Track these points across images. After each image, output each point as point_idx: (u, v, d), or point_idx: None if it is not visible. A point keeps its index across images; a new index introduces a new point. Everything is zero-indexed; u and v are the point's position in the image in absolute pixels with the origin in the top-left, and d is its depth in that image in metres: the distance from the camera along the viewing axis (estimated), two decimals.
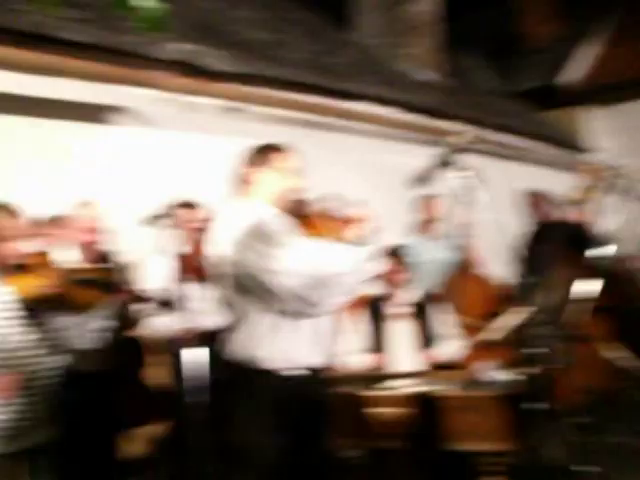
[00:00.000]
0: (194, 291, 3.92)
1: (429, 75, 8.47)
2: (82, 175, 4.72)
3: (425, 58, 8.61)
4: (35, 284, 2.81)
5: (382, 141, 6.78)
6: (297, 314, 2.61)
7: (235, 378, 2.68)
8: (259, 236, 2.56)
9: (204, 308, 3.70)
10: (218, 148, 5.31)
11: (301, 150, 2.88)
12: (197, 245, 4.00)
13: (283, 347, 2.64)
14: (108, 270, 3.10)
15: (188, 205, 4.02)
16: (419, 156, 6.39)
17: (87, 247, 3.70)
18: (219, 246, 2.70)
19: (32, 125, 4.57)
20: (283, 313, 2.61)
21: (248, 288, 2.60)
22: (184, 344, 3.83)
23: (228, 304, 2.71)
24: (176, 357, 4.09)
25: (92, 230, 3.70)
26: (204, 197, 4.25)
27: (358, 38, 8.57)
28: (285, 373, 2.65)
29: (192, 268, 4.01)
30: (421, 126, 6.98)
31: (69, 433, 3.15)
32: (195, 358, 3.31)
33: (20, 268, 2.82)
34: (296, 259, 2.52)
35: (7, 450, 2.83)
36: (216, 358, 3.14)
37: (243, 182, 2.80)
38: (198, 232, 4.00)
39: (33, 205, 4.02)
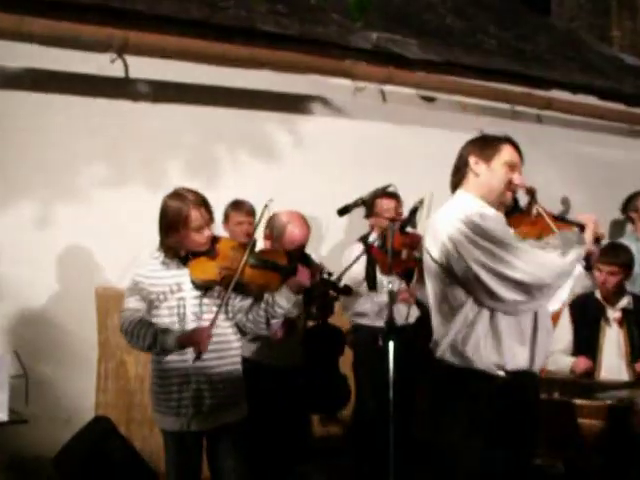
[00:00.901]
0: (387, 282, 3.88)
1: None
2: (284, 164, 4.82)
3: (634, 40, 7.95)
4: (216, 268, 2.85)
5: (580, 131, 6.34)
6: (513, 314, 2.50)
7: (444, 377, 2.59)
8: (484, 234, 2.45)
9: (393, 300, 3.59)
10: (414, 138, 5.30)
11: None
12: (391, 236, 3.95)
13: (498, 347, 2.51)
14: (291, 255, 3.06)
15: (387, 195, 3.97)
16: (623, 148, 6.25)
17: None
18: (434, 239, 2.59)
19: (237, 116, 4.72)
20: (499, 312, 2.50)
21: (464, 284, 2.51)
22: (375, 335, 3.83)
23: (439, 299, 2.61)
24: (365, 348, 4.12)
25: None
26: (401, 188, 4.19)
27: (556, 22, 8.10)
28: (498, 374, 2.52)
29: (385, 259, 3.96)
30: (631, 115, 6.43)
31: (258, 415, 3.18)
32: (387, 351, 3.22)
33: (204, 253, 2.87)
34: (524, 265, 2.40)
35: (191, 429, 2.87)
36: (402, 354, 3.09)
37: (462, 174, 2.67)
38: (394, 223, 3.94)
39: (234, 193, 4.26)
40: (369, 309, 4.07)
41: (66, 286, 4.24)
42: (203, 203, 2.88)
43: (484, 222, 2.47)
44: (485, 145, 2.64)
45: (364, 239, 4.26)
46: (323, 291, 3.37)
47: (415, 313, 4.13)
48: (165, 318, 2.89)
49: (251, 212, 4.08)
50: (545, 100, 5.89)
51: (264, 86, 4.77)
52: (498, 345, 2.50)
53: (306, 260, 3.32)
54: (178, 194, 2.89)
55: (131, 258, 3.87)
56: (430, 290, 2.66)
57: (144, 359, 3.95)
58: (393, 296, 3.33)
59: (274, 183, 4.47)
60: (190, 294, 2.89)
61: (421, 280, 3.95)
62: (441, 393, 2.64)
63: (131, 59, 4.34)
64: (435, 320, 2.63)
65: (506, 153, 2.62)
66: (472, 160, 2.62)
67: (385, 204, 4.09)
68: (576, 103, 6.16)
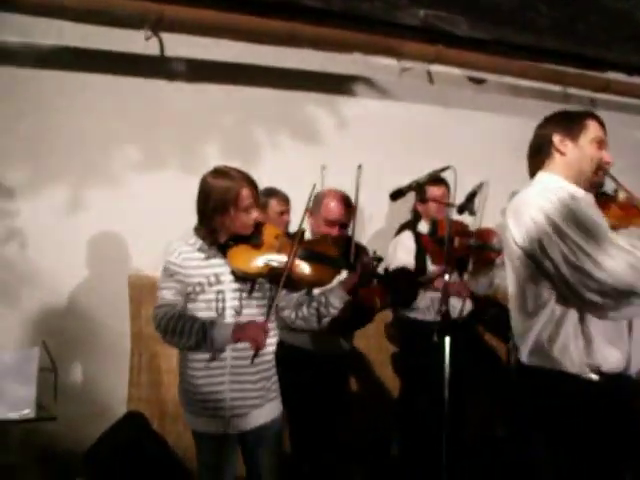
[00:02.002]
0: (439, 273, 3.63)
1: None
2: (326, 148, 4.64)
3: None
4: (261, 258, 2.62)
5: (636, 115, 6.04)
6: (602, 318, 2.22)
7: (527, 381, 2.33)
8: (575, 220, 2.17)
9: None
10: (462, 122, 5.08)
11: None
12: (442, 224, 3.70)
13: (589, 348, 2.24)
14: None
15: (437, 181, 3.71)
16: None
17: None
18: (517, 223, 2.34)
19: (276, 97, 4.52)
20: (586, 310, 2.22)
21: (547, 276, 2.23)
22: (426, 329, 3.59)
23: (521, 291, 2.34)
24: (416, 343, 3.87)
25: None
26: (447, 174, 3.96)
27: (608, 2, 7.70)
28: (591, 377, 2.26)
29: (436, 248, 3.72)
30: None
31: (297, 405, 3.04)
32: (442, 347, 2.97)
33: (247, 241, 2.64)
34: (614, 265, 2.12)
35: (228, 432, 2.68)
36: (456, 350, 2.88)
37: (545, 154, 2.41)
38: (444, 210, 3.70)
39: (274, 177, 4.03)
40: (421, 303, 3.80)
41: (98, 274, 4.08)
42: (251, 180, 2.65)
43: (576, 206, 2.20)
44: (570, 121, 2.41)
45: (412, 226, 4.00)
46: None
47: (469, 307, 3.87)
48: (201, 312, 2.64)
49: (288, 200, 3.86)
50: (602, 82, 5.55)
51: (305, 65, 4.55)
52: (589, 345, 2.23)
53: (349, 246, 3.09)
54: (223, 172, 2.65)
55: (165, 244, 3.88)
56: (511, 282, 2.40)
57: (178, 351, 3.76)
58: (447, 288, 3.07)
59: (315, 167, 4.19)
60: (229, 287, 2.63)
61: (477, 271, 3.72)
62: (524, 399, 2.37)
63: (166, 36, 4.15)
64: (515, 315, 2.37)
65: (593, 129, 2.39)
66: (556, 138, 2.40)
67: (434, 190, 3.82)
68: (634, 84, 5.82)
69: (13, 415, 2.77)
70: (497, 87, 5.32)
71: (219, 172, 2.65)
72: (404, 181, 3.73)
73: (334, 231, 3.33)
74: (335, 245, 2.80)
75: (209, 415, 2.67)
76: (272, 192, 3.79)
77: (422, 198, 3.86)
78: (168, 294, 2.63)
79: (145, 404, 4.12)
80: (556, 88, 5.52)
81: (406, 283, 3.17)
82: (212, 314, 2.62)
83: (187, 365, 2.71)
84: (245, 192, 2.59)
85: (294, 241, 2.61)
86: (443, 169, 2.99)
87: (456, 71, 5.12)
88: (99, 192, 4.04)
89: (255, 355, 2.53)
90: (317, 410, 3.38)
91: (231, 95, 4.36)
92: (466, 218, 3.55)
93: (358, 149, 4.59)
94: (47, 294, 3.90)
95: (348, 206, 3.33)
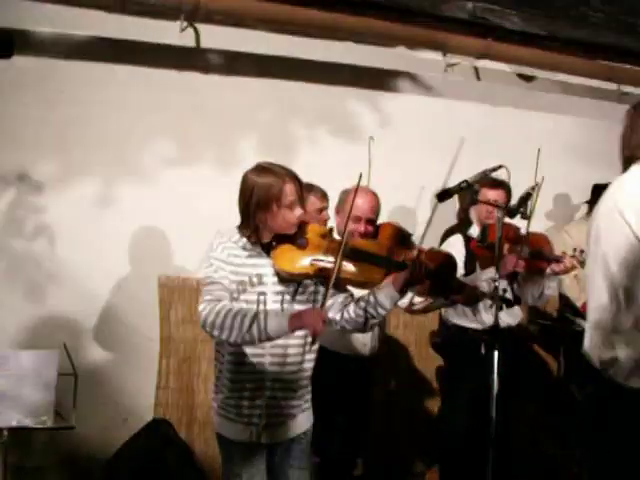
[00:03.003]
0: (490, 280, 3.40)
1: None
2: (366, 143, 4.31)
3: None
4: (308, 259, 2.47)
5: None
6: None
7: (618, 404, 2.10)
8: None
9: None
10: (510, 121, 4.88)
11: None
12: (493, 230, 3.47)
13: None
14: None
15: (496, 186, 3.48)
16: None
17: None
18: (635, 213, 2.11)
19: (316, 91, 4.37)
20: None
21: None
22: (472, 340, 3.37)
23: (623, 295, 2.11)
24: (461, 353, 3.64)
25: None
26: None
27: None
28: None
29: (486, 254, 3.48)
30: None
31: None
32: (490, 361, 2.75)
33: (291, 241, 2.49)
34: None
35: (260, 441, 2.55)
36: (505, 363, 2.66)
37: None
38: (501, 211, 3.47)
39: (312, 175, 3.85)
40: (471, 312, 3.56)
41: (127, 274, 3.95)
42: (295, 177, 2.51)
43: None
44: None
45: (460, 230, 3.77)
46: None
47: (519, 315, 3.64)
48: None
49: (327, 196, 3.68)
50: None
51: (346, 59, 4.39)
52: None
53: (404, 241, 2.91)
54: (265, 168, 2.51)
55: (198, 244, 3.74)
56: (603, 291, 2.16)
57: (209, 355, 3.63)
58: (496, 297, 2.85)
59: (356, 165, 3.99)
60: (272, 289, 2.50)
61: (526, 281, 3.48)
62: (615, 423, 2.12)
63: (202, 27, 4.02)
64: (605, 330, 2.12)
65: None
66: None
67: (489, 193, 3.57)
68: None
69: (29, 422, 2.60)
70: (547, 85, 5.11)
71: (261, 168, 2.52)
72: (449, 182, 3.56)
73: (360, 227, 3.20)
74: (387, 242, 2.65)
75: (243, 422, 2.55)
76: (310, 188, 3.59)
77: (473, 200, 3.62)
78: (215, 289, 2.47)
79: (173, 409, 4.00)
80: (610, 86, 5.26)
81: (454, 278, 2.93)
82: None
83: (225, 367, 2.57)
84: (289, 188, 2.46)
85: (342, 240, 2.45)
86: (494, 168, 2.77)
87: (505, 67, 4.92)
88: (131, 188, 3.92)
89: (313, 342, 2.40)
90: (338, 412, 3.28)
91: (268, 89, 4.23)
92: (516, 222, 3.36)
93: (400, 147, 4.48)
94: (73, 293, 3.78)
95: (375, 202, 3.19)
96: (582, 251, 3.28)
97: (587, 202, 4.73)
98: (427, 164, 4.45)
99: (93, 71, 3.86)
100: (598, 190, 4.79)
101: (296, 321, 2.35)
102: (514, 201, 3.27)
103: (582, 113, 5.14)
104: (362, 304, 2.50)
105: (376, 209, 3.22)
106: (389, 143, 4.43)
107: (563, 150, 4.87)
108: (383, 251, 2.55)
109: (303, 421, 2.63)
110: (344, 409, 3.32)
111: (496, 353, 2.63)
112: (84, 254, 3.76)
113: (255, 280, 2.48)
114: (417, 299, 3.16)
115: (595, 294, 2.20)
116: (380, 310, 2.47)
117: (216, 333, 2.38)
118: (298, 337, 2.50)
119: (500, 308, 2.97)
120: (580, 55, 5.06)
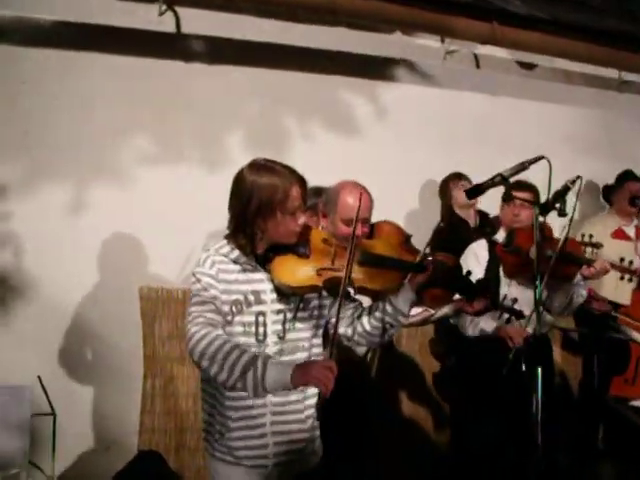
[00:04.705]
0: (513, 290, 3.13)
1: None
2: (363, 137, 4.32)
3: None
4: (313, 270, 2.17)
5: None
6: None
7: None
8: None
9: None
10: (511, 110, 4.76)
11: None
12: (520, 234, 3.21)
13: None
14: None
15: (524, 187, 3.20)
16: None
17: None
18: None
19: (308, 81, 4.18)
20: None
21: None
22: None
23: None
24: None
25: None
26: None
27: None
28: None
29: (510, 260, 3.20)
30: None
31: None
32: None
33: (292, 250, 2.20)
34: None
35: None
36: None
37: None
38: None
39: (305, 171, 3.63)
40: (490, 325, 3.24)
41: (104, 286, 3.70)
42: (301, 178, 2.17)
43: None
44: None
45: (485, 234, 3.48)
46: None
47: (548, 323, 3.36)
48: (239, 337, 2.14)
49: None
50: None
51: (340, 46, 4.20)
52: None
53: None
54: (266, 166, 2.17)
55: (181, 252, 3.67)
56: None
57: (198, 374, 3.29)
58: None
59: (351, 158, 4.01)
60: (271, 307, 2.17)
61: (553, 287, 3.19)
62: None
63: (183, 11, 3.83)
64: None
65: None
66: None
67: (519, 196, 3.27)
68: None
69: None
70: (548, 73, 5.01)
71: (262, 166, 2.18)
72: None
73: (358, 229, 2.86)
74: (401, 242, 2.38)
75: (247, 465, 2.21)
76: (318, 191, 3.31)
77: (507, 195, 3.31)
78: (206, 311, 2.13)
79: (160, 435, 3.73)
80: (611, 74, 5.20)
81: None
82: (251, 340, 2.16)
83: (217, 402, 2.22)
84: (295, 191, 2.13)
85: (349, 244, 2.14)
86: (535, 160, 2.43)
87: (505, 55, 4.80)
88: (106, 190, 3.70)
89: (320, 404, 2.01)
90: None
91: (257, 78, 4.04)
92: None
93: (397, 138, 4.39)
94: (43, 310, 3.52)
95: (368, 199, 2.85)
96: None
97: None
98: (425, 156, 4.34)
99: (62, 59, 3.64)
100: (608, 190, 4.76)
101: (301, 376, 2.00)
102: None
103: (582, 102, 5.06)
104: (378, 314, 2.23)
105: (370, 207, 2.89)
106: (386, 134, 4.34)
107: (565, 139, 4.79)
108: (395, 253, 2.28)
109: (312, 457, 2.32)
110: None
111: (540, 370, 2.30)
112: (55, 266, 3.53)
113: (252, 298, 2.16)
114: (414, 310, 2.87)
115: None
116: (400, 318, 2.22)
117: (205, 364, 2.03)
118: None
119: (508, 320, 2.76)
120: (583, 40, 4.87)
